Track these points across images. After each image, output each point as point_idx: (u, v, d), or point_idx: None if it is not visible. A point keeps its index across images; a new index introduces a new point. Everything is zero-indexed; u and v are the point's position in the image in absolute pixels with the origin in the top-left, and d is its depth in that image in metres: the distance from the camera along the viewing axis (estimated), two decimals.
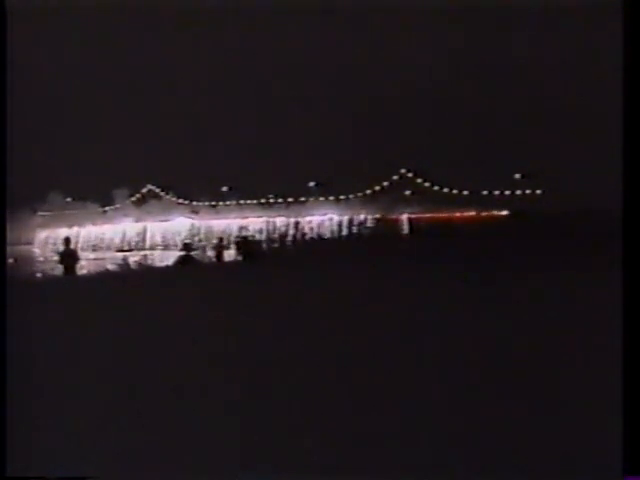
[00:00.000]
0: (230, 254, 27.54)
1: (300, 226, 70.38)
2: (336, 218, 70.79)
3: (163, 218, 75.68)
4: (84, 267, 23.38)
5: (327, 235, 60.47)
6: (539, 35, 72.95)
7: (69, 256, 16.90)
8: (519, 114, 69.44)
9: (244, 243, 24.26)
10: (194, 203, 76.69)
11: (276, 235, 53.80)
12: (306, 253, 30.99)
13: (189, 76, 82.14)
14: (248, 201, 75.20)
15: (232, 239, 53.10)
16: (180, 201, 77.79)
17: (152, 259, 53.89)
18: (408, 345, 5.83)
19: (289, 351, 5.76)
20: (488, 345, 5.67)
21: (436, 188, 73.30)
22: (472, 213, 67.67)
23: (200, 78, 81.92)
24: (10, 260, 44.15)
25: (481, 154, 67.33)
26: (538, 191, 70.85)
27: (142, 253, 66.80)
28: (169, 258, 39.00)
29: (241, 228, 67.54)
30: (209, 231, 70.91)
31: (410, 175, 74.92)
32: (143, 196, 79.69)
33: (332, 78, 79.40)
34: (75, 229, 70.17)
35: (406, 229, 64.68)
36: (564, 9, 65.48)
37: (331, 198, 72.95)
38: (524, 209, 66.63)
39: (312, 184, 74.89)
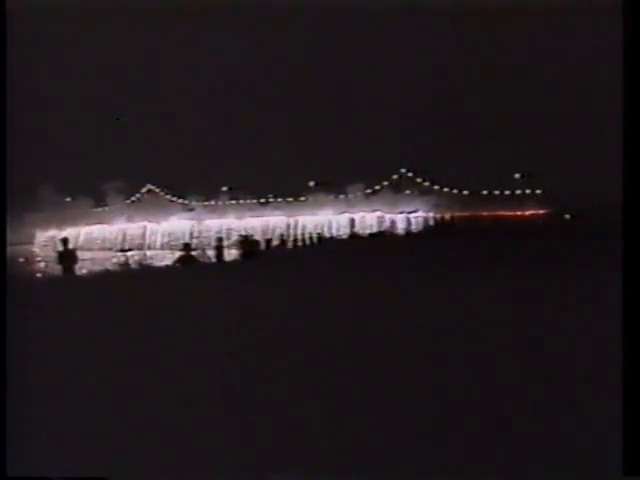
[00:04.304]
0: (230, 254, 27.54)
1: (299, 225, 70.43)
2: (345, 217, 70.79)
3: (163, 218, 75.64)
4: (83, 267, 23.35)
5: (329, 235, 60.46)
6: (539, 35, 73.04)
7: (68, 256, 16.89)
8: (519, 114, 69.52)
9: (245, 242, 24.25)
10: (193, 203, 76.70)
11: (276, 234, 53.83)
12: (306, 253, 30.98)
13: (189, 76, 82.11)
14: (247, 201, 75.23)
15: (233, 238, 53.14)
16: (180, 201, 77.79)
17: (151, 259, 53.86)
18: (408, 344, 5.84)
19: (289, 351, 5.76)
20: (487, 345, 5.67)
21: (436, 187, 73.42)
22: (470, 213, 67.69)
23: (200, 78, 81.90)
24: (20, 259, 43.93)
25: (481, 154, 67.40)
26: (538, 191, 70.99)
27: (141, 253, 66.77)
28: (169, 258, 39.00)
29: (241, 228, 67.55)
30: (208, 231, 70.91)
31: (410, 175, 75.04)
32: (143, 195, 79.71)
33: (332, 78, 79.40)
34: (74, 229, 70.12)
35: (403, 230, 64.73)
36: (564, 9, 65.52)
37: (330, 197, 73.01)
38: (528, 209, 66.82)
39: (312, 183, 74.98)
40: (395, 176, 75.16)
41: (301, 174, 73.26)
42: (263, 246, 29.62)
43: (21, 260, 44.65)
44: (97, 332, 6.88)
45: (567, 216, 51.90)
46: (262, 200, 75.16)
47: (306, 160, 71.97)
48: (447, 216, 67.05)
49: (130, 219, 75.96)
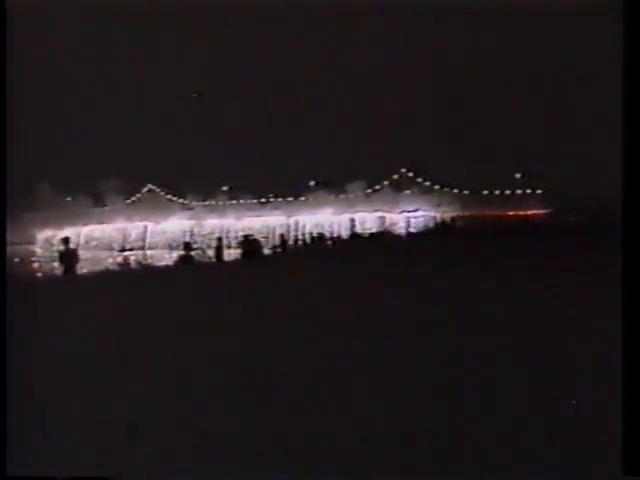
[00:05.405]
0: (230, 253, 27.53)
1: (300, 225, 70.44)
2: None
3: (163, 217, 75.63)
4: (82, 267, 23.34)
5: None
6: (539, 35, 73.02)
7: (69, 256, 16.88)
8: (519, 114, 69.53)
9: (247, 242, 24.22)
10: (193, 202, 76.69)
11: (277, 234, 53.83)
12: (306, 252, 30.99)
13: (189, 75, 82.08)
14: (248, 200, 75.21)
15: (233, 238, 53.05)
16: (180, 201, 77.76)
17: (151, 258, 53.84)
18: (407, 344, 5.84)
19: (289, 351, 5.76)
20: (487, 345, 5.67)
21: (436, 187, 73.40)
22: (470, 213, 67.66)
23: (200, 77, 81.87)
24: (16, 259, 43.74)
25: (481, 154, 67.41)
26: (538, 191, 71.00)
27: (141, 252, 66.78)
28: (169, 258, 38.93)
29: (242, 228, 67.51)
30: (208, 230, 70.93)
31: (410, 175, 75.03)
32: (143, 195, 79.67)
33: (332, 78, 79.37)
34: (74, 228, 70.11)
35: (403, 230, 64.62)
36: (564, 9, 65.51)
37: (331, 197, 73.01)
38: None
39: (312, 183, 74.96)
40: (395, 176, 75.13)
41: (301, 174, 73.26)
42: (264, 245, 29.59)
43: (16, 260, 44.40)
44: (97, 332, 6.88)
45: (567, 216, 51.90)
46: (262, 200, 75.15)
47: (306, 160, 71.95)
48: (447, 216, 67.06)
49: (130, 219, 75.98)
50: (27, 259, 52.55)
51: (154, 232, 75.73)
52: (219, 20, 78.18)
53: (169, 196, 78.78)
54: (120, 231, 76.42)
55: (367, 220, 70.70)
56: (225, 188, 76.58)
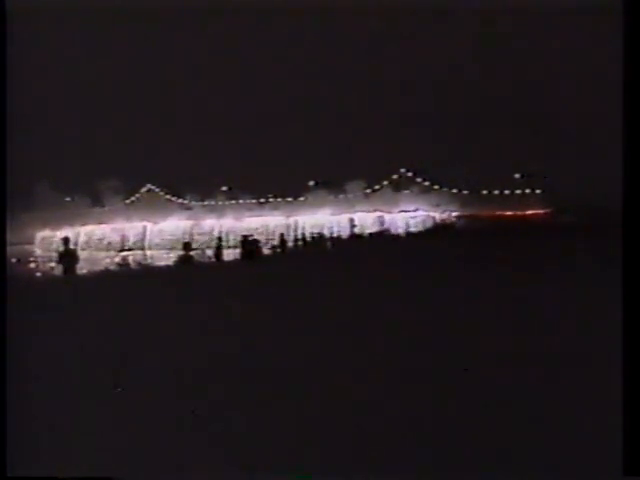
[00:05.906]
0: (229, 254, 27.54)
1: (299, 225, 70.45)
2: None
3: (162, 218, 75.57)
4: (83, 267, 23.33)
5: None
6: (540, 35, 73.01)
7: (68, 256, 16.90)
8: (519, 114, 69.50)
9: (246, 242, 24.22)
10: (193, 203, 76.60)
11: (276, 234, 53.80)
12: (305, 253, 30.99)
13: (189, 75, 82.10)
14: (247, 201, 75.14)
15: (233, 239, 53.02)
16: (179, 201, 77.67)
17: (151, 258, 53.81)
18: (406, 344, 5.84)
19: (289, 351, 5.76)
20: (488, 345, 5.67)
21: (436, 187, 73.34)
22: (470, 213, 67.62)
23: (200, 77, 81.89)
24: (13, 259, 43.60)
25: (481, 154, 67.39)
26: (538, 191, 70.93)
27: (140, 253, 66.75)
28: (168, 258, 38.90)
29: (241, 228, 67.46)
30: (207, 230, 70.94)
31: (410, 175, 74.94)
32: (142, 195, 79.56)
33: (332, 77, 79.40)
34: (74, 229, 70.09)
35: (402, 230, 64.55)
36: (564, 10, 65.50)
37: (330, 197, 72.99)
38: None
39: (311, 183, 74.88)
40: (394, 176, 75.06)
41: (300, 174, 73.21)
42: (264, 246, 29.58)
43: (13, 260, 44.20)
44: (96, 332, 6.88)
45: (567, 216, 51.91)
46: (261, 200, 75.08)
47: (305, 160, 71.91)
48: (447, 216, 67.07)
49: (129, 219, 75.92)
50: (26, 259, 52.43)
51: (153, 232, 75.67)
52: (219, 20, 78.20)
53: (168, 196, 78.65)
54: (119, 231, 76.36)
55: (366, 220, 70.65)
56: (224, 188, 76.45)
